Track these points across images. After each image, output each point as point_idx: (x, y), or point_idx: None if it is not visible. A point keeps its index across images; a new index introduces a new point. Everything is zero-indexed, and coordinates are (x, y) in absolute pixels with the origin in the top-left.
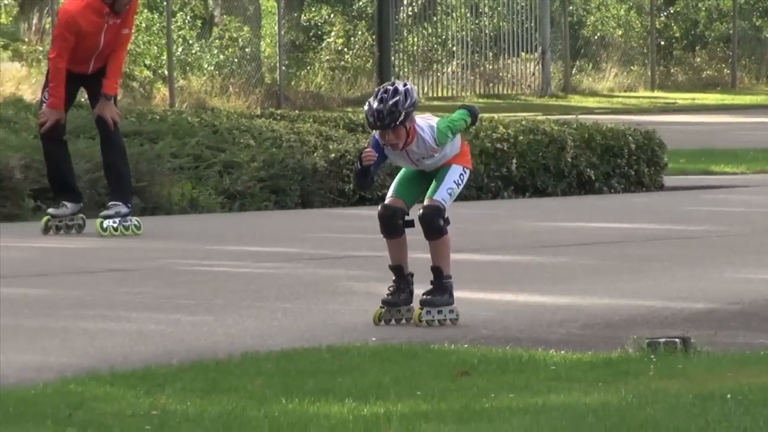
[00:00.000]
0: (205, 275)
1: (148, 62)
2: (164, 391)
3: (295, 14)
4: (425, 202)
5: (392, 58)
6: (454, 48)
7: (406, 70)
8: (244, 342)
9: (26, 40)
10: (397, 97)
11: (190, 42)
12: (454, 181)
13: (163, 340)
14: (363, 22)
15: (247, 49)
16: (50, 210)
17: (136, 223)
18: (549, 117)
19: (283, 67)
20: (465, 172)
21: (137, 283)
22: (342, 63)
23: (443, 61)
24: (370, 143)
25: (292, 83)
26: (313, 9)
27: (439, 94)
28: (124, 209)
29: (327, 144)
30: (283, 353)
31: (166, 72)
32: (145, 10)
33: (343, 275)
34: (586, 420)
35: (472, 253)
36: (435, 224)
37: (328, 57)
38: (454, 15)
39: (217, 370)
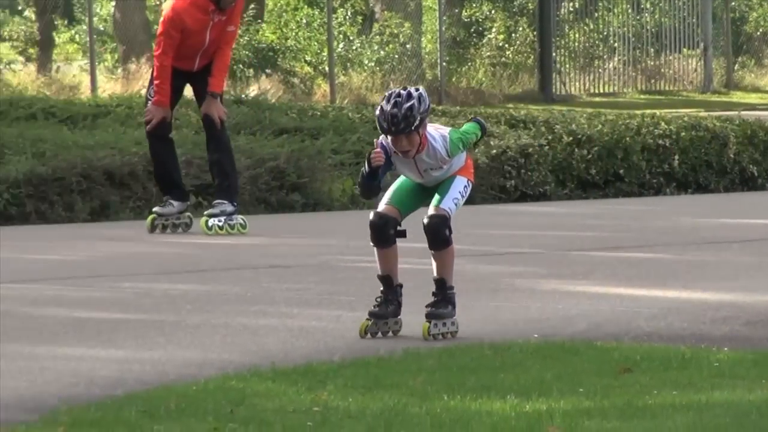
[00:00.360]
0: (366, 271)
1: (308, 58)
2: (326, 388)
3: (456, 10)
4: (431, 211)
5: (553, 54)
6: (616, 44)
7: (567, 66)
8: (406, 338)
9: None
10: (412, 102)
11: (351, 38)
12: (460, 192)
13: (324, 337)
14: (524, 18)
15: (407, 45)
16: (156, 208)
17: (241, 221)
18: (711, 113)
19: (444, 64)
20: (469, 185)
21: (298, 279)
22: (503, 59)
23: (604, 57)
24: (377, 144)
25: (453, 79)
26: (474, 5)
27: (601, 90)
28: (229, 208)
29: (488, 140)
30: (444, 350)
31: (326, 68)
32: (306, 7)
33: (505, 272)
34: (749, 417)
35: (634, 250)
36: (442, 234)
37: (489, 53)
38: (615, 11)
39: (378, 366)
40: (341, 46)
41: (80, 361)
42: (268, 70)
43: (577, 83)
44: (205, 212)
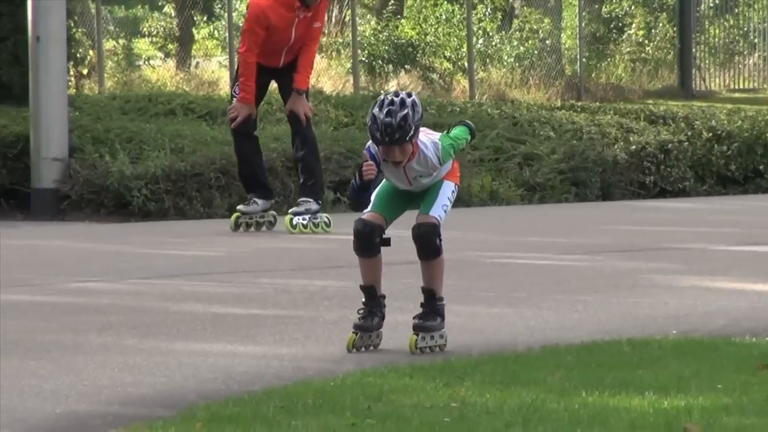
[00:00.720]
0: (504, 267)
1: (448, 54)
2: (463, 383)
3: (596, 6)
4: (420, 220)
5: (693, 49)
6: (756, 40)
7: (707, 61)
8: (544, 334)
9: (325, 32)
10: (406, 110)
11: (491, 34)
12: (448, 198)
13: (462, 332)
14: (664, 14)
15: (547, 41)
16: (240, 207)
17: (326, 220)
18: None
19: (583, 59)
20: (456, 189)
21: None
22: (642, 55)
23: (744, 53)
24: (366, 156)
25: (593, 75)
26: (614, 1)
27: (741, 86)
28: (314, 206)
29: (627, 136)
30: (583, 346)
31: (465, 64)
32: (445, 2)
33: (643, 268)
34: None
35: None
36: (432, 243)
37: (628, 49)
38: (756, 6)
39: (516, 362)
40: (480, 41)
41: (218, 357)
42: (407, 66)
43: (717, 79)
44: (290, 210)
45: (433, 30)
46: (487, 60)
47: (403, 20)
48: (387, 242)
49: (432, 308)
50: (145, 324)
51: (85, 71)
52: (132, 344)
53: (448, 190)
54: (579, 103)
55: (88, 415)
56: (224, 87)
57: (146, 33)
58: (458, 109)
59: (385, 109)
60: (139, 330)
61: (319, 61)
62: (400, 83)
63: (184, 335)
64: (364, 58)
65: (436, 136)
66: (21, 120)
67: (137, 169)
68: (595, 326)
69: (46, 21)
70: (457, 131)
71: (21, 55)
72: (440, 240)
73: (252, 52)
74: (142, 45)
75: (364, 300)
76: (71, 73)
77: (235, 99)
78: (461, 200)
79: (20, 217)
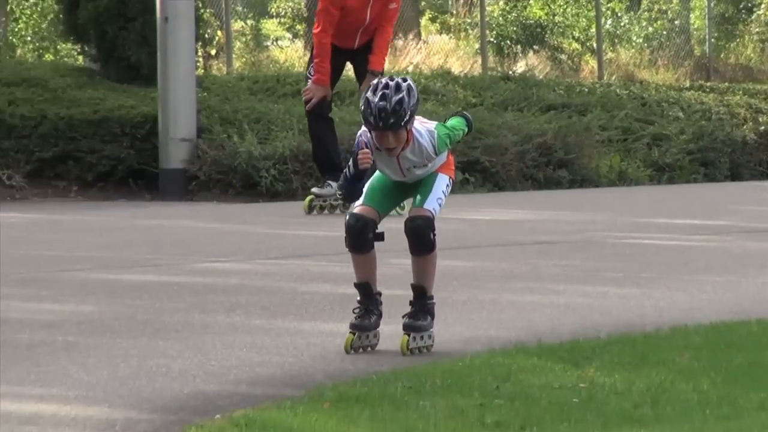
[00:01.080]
0: (633, 248)
1: (576, 35)
2: (592, 364)
3: None
4: (413, 213)
5: None
6: None
7: None
8: (673, 315)
9: (454, 12)
10: (401, 95)
11: (619, 14)
12: (443, 191)
13: (590, 313)
14: None
15: (676, 22)
16: (314, 189)
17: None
18: None
19: (712, 40)
20: (451, 183)
21: (565, 256)
22: None
23: None
24: (362, 144)
25: (721, 56)
26: None
27: None
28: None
29: (756, 117)
30: (711, 326)
31: (594, 44)
32: None
33: None
34: None
35: None
36: (426, 238)
37: (758, 29)
38: None
39: (645, 343)
40: (609, 22)
41: (345, 337)
42: (535, 47)
43: None
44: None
45: (561, 10)
46: (616, 40)
47: (531, 1)
48: (380, 237)
49: (422, 306)
50: (273, 304)
51: (213, 52)
52: (260, 324)
53: (442, 183)
54: (708, 84)
55: (216, 395)
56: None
57: (274, 14)
58: (586, 89)
59: (380, 93)
60: (267, 310)
61: (447, 42)
62: (528, 64)
63: (312, 315)
64: (492, 39)
65: (431, 124)
66: (149, 101)
67: (265, 150)
68: (723, 307)
69: (175, 2)
70: (455, 122)
71: (149, 36)
72: (434, 234)
73: (327, 33)
74: (270, 26)
75: (359, 298)
76: (199, 53)
77: (309, 80)
78: (590, 180)
79: (148, 197)
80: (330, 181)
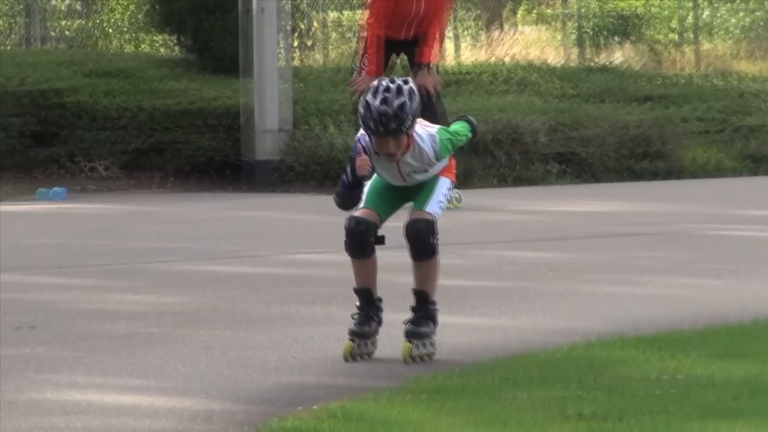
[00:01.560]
0: (730, 239)
1: (673, 26)
2: (689, 355)
3: None
4: (414, 216)
5: None
6: None
7: None
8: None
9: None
10: (403, 99)
11: (716, 5)
12: (444, 195)
13: (688, 305)
14: None
15: None
16: None
17: (456, 195)
18: None
19: None
20: (452, 187)
21: (662, 247)
22: None
23: None
24: (360, 149)
25: None
26: None
27: None
28: None
29: None
30: None
31: (691, 35)
32: None
33: None
34: None
35: None
36: (427, 242)
37: None
38: None
39: (742, 334)
40: (706, 13)
41: (443, 328)
42: (631, 38)
43: None
44: None
45: (658, 2)
46: (713, 31)
47: None
48: (381, 240)
49: (425, 312)
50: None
51: (309, 43)
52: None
53: (444, 187)
54: None
55: (314, 386)
56: (448, 59)
57: (370, 4)
58: (683, 80)
59: (380, 96)
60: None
61: (543, 32)
62: (625, 55)
63: (407, 306)
64: (589, 30)
65: (433, 128)
66: (245, 92)
67: None
68: None
69: None
70: (458, 126)
71: (245, 27)
72: (436, 239)
73: (379, 24)
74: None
75: (359, 304)
76: (295, 44)
77: (355, 72)
78: (686, 172)
79: (244, 188)
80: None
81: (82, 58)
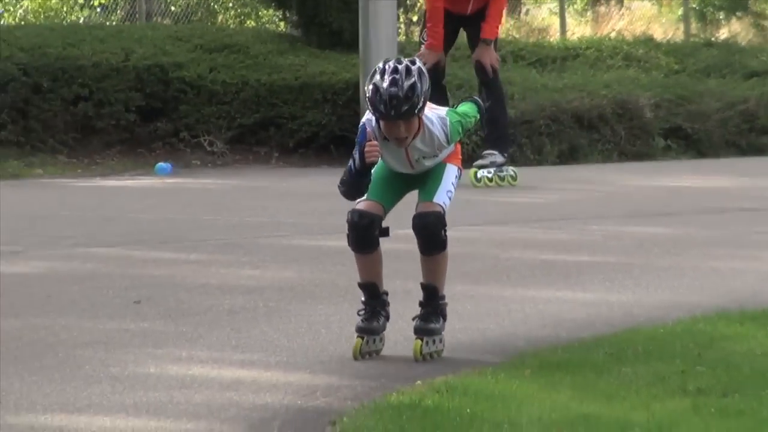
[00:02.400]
0: None
1: None
2: None
3: None
4: (422, 208)
5: None
6: None
7: None
8: None
9: None
10: (413, 79)
11: None
12: (452, 183)
13: None
14: None
15: None
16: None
17: (512, 173)
18: None
19: None
20: (459, 174)
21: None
22: None
23: None
24: (370, 135)
25: None
26: None
27: None
28: (499, 159)
29: None
30: None
31: None
32: None
33: None
34: None
35: None
36: (438, 236)
37: None
38: None
39: None
40: None
41: (547, 304)
42: (738, 13)
43: None
44: (474, 163)
45: None
46: None
47: None
48: (386, 232)
49: (434, 308)
50: (475, 270)
51: (414, 18)
52: (462, 291)
53: (451, 175)
54: None
55: (417, 361)
56: (554, 34)
57: None
58: None
59: (389, 78)
60: (469, 277)
61: (650, 8)
62: (731, 30)
63: (513, 282)
64: (695, 6)
65: (442, 111)
66: (350, 67)
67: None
68: None
69: None
70: (465, 107)
71: (351, 2)
72: (446, 231)
73: None
74: None
75: (364, 299)
76: (401, 20)
77: (422, 46)
78: None
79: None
80: (493, 152)
81: (188, 33)
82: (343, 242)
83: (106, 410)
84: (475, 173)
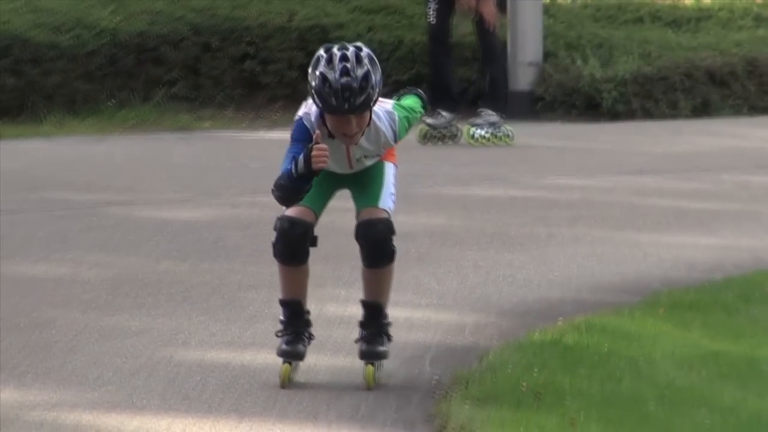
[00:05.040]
0: None
1: None
2: None
3: None
4: (367, 214)
5: None
6: None
7: None
8: None
9: None
10: (365, 67)
11: None
12: (393, 184)
13: None
14: None
15: None
16: (428, 120)
17: (508, 132)
18: None
19: None
20: (396, 173)
21: None
22: None
23: None
24: (318, 136)
25: None
26: None
27: None
28: (493, 118)
29: None
30: None
31: None
32: None
33: None
34: None
35: None
36: (388, 246)
37: None
38: None
39: None
40: None
41: (681, 248)
42: None
43: None
44: (468, 121)
45: None
46: None
47: None
48: (314, 242)
49: (380, 329)
50: (613, 217)
51: None
52: (600, 236)
53: (391, 175)
54: None
55: (559, 302)
56: None
57: None
58: None
59: (339, 67)
60: (607, 223)
61: None
62: None
63: (649, 227)
64: None
65: (388, 104)
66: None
67: (607, 73)
68: None
69: None
70: (410, 101)
71: None
72: (393, 241)
73: None
74: None
75: (285, 319)
76: None
77: (430, 4)
78: None
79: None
80: (441, 111)
81: None
82: (489, 191)
83: (268, 347)
84: (470, 131)
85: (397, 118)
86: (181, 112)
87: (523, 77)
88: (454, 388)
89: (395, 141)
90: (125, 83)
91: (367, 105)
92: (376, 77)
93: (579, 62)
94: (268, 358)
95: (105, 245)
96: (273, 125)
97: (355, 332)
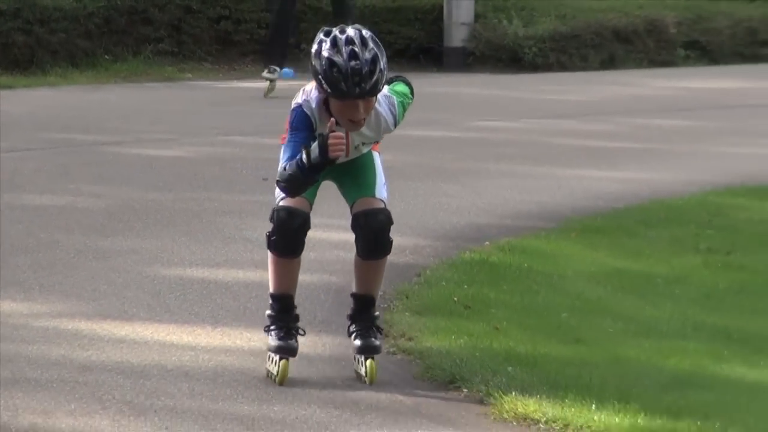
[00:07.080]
0: None
1: None
2: None
3: None
4: (365, 205)
5: None
6: None
7: None
8: None
9: None
10: (372, 50)
11: None
12: (383, 173)
13: None
14: None
15: None
16: (266, 74)
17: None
18: None
19: None
20: (382, 160)
21: None
22: None
23: None
24: (331, 124)
25: None
26: None
27: None
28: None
29: None
30: None
31: None
32: None
33: None
34: None
35: None
36: (387, 236)
37: None
38: None
39: None
40: None
41: (590, 181)
42: None
43: None
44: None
45: None
46: None
47: None
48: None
49: (373, 321)
50: (533, 154)
51: None
52: (522, 170)
53: (380, 164)
54: None
55: (486, 226)
56: None
57: None
58: None
59: (346, 50)
60: (528, 159)
61: None
62: None
63: (563, 163)
64: None
65: (385, 90)
66: None
67: (528, 32)
68: None
69: None
70: (400, 87)
71: None
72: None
73: None
74: None
75: (274, 313)
76: None
77: None
78: None
79: (434, 69)
80: (275, 67)
81: None
82: (427, 131)
83: (240, 265)
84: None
85: (395, 102)
86: (166, 65)
87: (456, 35)
88: (396, 301)
89: (395, 126)
90: (119, 40)
91: (377, 88)
92: (383, 60)
93: (505, 22)
94: (239, 274)
95: (101, 178)
96: (244, 76)
97: (315, 253)
